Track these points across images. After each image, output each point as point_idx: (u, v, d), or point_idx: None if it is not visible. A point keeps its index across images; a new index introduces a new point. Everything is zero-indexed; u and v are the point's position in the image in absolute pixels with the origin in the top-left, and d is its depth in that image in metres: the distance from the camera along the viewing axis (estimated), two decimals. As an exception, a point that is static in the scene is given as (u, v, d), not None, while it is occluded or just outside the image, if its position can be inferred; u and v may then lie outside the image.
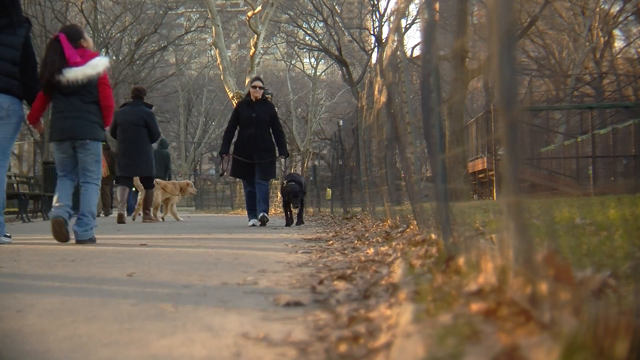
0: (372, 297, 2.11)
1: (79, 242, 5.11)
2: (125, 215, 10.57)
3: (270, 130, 9.08)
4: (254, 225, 8.85)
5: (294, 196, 8.54)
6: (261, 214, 8.80)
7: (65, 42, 5.09)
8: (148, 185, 10.90)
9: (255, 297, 2.27)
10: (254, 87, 9.12)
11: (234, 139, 9.18)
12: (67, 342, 1.59)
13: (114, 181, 13.97)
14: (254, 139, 8.88)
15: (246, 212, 13.60)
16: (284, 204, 8.92)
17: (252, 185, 9.01)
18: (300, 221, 8.75)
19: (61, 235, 5.06)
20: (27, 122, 5.39)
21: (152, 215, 11.15)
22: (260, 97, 9.02)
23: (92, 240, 5.17)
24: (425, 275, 2.16)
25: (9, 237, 5.23)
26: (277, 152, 9.13)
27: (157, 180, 11.50)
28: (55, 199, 5.24)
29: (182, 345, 1.55)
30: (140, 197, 11.23)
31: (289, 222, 8.79)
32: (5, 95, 4.91)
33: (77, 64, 5.04)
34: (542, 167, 21.59)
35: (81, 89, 5.09)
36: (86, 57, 5.14)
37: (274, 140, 9.12)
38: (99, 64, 5.12)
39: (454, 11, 23.03)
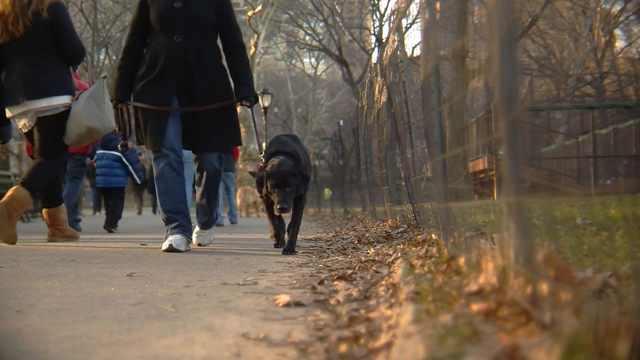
0: (373, 297, 2.11)
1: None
2: None
3: (220, 44, 4.44)
4: (177, 249, 4.16)
5: (283, 185, 3.92)
6: (197, 232, 4.69)
7: None
8: None
9: (255, 297, 2.26)
10: None
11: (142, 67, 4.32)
12: (67, 342, 1.58)
13: None
14: (181, 60, 4.23)
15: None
16: (266, 203, 4.26)
17: (178, 164, 4.36)
18: (290, 247, 4.07)
19: None
20: None
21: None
22: None
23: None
24: (426, 276, 2.15)
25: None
26: (232, 93, 4.38)
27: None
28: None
29: (182, 345, 1.55)
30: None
31: (278, 239, 4.46)
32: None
33: None
34: (543, 167, 21.59)
35: None
36: None
37: (225, 67, 4.43)
38: None
39: (454, 11, 23.01)
